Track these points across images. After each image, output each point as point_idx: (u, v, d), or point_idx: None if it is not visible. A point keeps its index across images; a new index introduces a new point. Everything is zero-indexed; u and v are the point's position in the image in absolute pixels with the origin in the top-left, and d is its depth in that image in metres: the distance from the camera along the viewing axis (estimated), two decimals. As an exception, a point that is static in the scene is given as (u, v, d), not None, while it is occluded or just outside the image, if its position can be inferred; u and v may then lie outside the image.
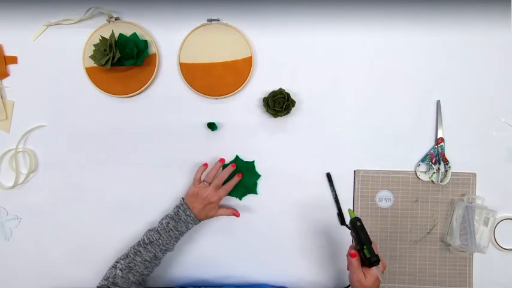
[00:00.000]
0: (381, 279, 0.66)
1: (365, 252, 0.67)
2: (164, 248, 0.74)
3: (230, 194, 0.82)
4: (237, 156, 0.83)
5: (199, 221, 0.76)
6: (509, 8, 0.81)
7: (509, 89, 0.82)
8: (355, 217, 0.69)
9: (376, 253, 0.67)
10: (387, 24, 0.82)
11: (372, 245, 0.67)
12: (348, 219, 0.71)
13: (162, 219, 0.76)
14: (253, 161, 0.83)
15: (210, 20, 0.81)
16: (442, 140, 0.82)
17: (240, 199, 0.83)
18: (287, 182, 0.83)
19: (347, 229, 0.83)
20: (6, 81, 0.82)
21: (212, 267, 0.84)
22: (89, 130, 0.83)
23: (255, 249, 0.84)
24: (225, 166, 0.81)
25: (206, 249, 0.84)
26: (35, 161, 0.83)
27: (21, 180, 0.83)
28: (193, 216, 0.74)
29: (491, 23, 0.81)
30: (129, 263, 0.72)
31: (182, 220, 0.74)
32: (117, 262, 0.73)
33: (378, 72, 0.82)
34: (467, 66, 0.82)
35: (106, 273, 0.73)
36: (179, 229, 0.74)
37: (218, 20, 0.81)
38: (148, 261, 0.73)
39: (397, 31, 0.82)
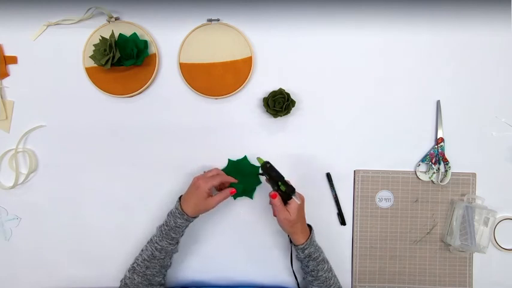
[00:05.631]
0: (298, 202, 0.70)
1: (281, 188, 0.70)
2: (159, 247, 0.72)
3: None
4: (245, 157, 0.83)
5: (188, 216, 0.71)
6: (509, 8, 0.81)
7: (509, 89, 0.82)
8: (265, 161, 0.72)
9: (290, 185, 0.71)
10: (387, 24, 0.82)
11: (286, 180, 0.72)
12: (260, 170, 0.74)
13: None
14: (259, 167, 0.83)
15: (210, 20, 0.81)
16: (442, 140, 0.82)
17: (234, 198, 0.83)
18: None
19: (346, 228, 0.84)
20: (6, 81, 0.82)
21: (213, 268, 0.84)
22: (89, 130, 0.83)
23: (256, 249, 0.84)
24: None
25: (208, 250, 0.84)
26: (35, 161, 0.83)
27: (21, 180, 0.83)
28: (180, 209, 0.71)
29: (491, 23, 0.81)
30: (133, 263, 0.74)
31: (171, 213, 0.73)
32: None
33: (378, 72, 0.82)
34: (467, 66, 0.82)
35: None
36: (168, 224, 0.72)
37: (218, 20, 0.81)
38: (148, 261, 0.72)
39: (397, 31, 0.82)
